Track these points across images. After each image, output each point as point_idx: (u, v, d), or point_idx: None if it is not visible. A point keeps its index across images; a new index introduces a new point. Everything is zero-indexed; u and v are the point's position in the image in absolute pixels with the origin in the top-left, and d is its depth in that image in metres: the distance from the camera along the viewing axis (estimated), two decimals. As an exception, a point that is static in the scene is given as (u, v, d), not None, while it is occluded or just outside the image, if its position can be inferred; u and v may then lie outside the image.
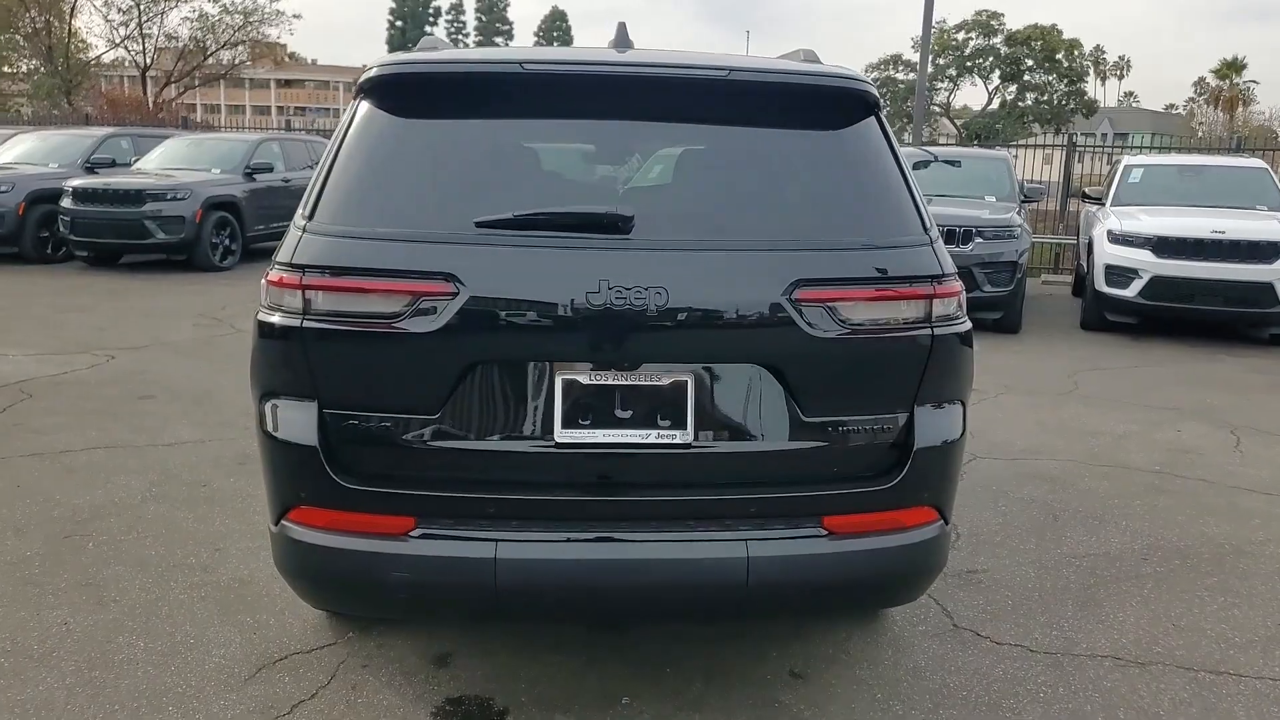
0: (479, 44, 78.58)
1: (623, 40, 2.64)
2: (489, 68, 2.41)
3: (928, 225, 2.38)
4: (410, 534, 2.21)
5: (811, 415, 2.28)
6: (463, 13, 78.86)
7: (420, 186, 2.29)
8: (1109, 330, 8.97)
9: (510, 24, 79.34)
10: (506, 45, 78.14)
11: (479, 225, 2.18)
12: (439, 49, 2.69)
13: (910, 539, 2.36)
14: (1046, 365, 7.61)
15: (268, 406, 2.31)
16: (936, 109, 34.31)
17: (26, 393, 5.95)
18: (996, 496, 4.52)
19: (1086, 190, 10.63)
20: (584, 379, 2.22)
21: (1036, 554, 3.88)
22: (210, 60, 29.53)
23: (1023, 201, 9.46)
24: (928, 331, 2.31)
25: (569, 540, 2.20)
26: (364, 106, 2.39)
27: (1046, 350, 8.26)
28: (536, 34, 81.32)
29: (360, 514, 2.23)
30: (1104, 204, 9.60)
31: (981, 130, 29.92)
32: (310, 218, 2.28)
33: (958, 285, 2.38)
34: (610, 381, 2.23)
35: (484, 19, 77.80)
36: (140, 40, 26.07)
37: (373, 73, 2.39)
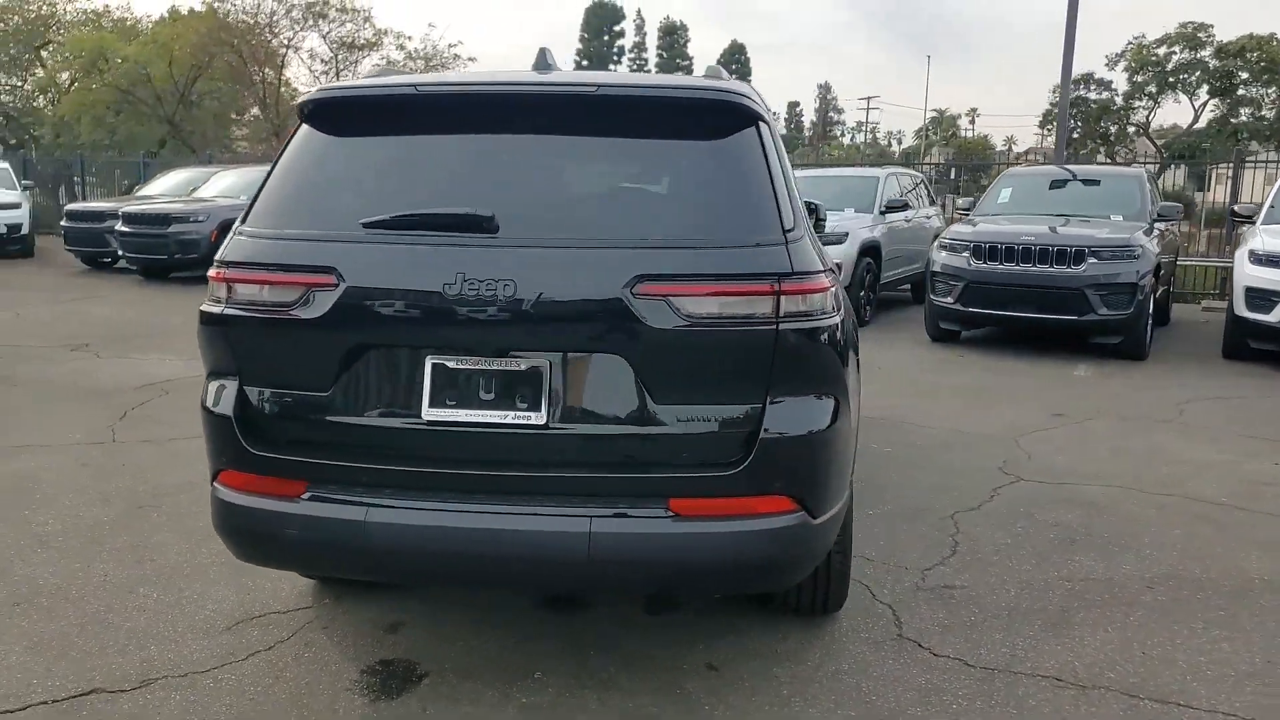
0: (659, 81, 79.77)
1: (542, 64, 2.89)
2: (388, 91, 2.70)
3: (788, 226, 2.48)
4: (301, 497, 2.51)
5: (660, 402, 2.42)
6: (645, 50, 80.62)
7: (325, 193, 2.61)
8: (1253, 359, 8.29)
9: (690, 58, 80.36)
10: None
11: (364, 226, 2.47)
12: (385, 74, 3.02)
13: (759, 526, 2.43)
14: (1159, 393, 7.16)
15: (208, 383, 2.69)
16: (1133, 128, 32.21)
17: (165, 390, 6.78)
18: (1018, 518, 4.38)
19: (1235, 208, 9.84)
20: (449, 363, 2.45)
21: (1030, 575, 3.76)
22: None
23: (1154, 221, 9.00)
24: (773, 327, 2.39)
25: (432, 509, 2.44)
26: (300, 128, 2.75)
27: (1168, 377, 7.75)
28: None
29: (265, 477, 2.55)
30: (1254, 222, 8.89)
31: (1185, 150, 27.83)
32: (243, 222, 2.65)
33: (814, 283, 2.46)
34: (471, 366, 2.45)
35: (665, 55, 79.28)
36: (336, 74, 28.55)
37: (302, 99, 2.75)
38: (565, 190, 2.65)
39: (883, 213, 11.29)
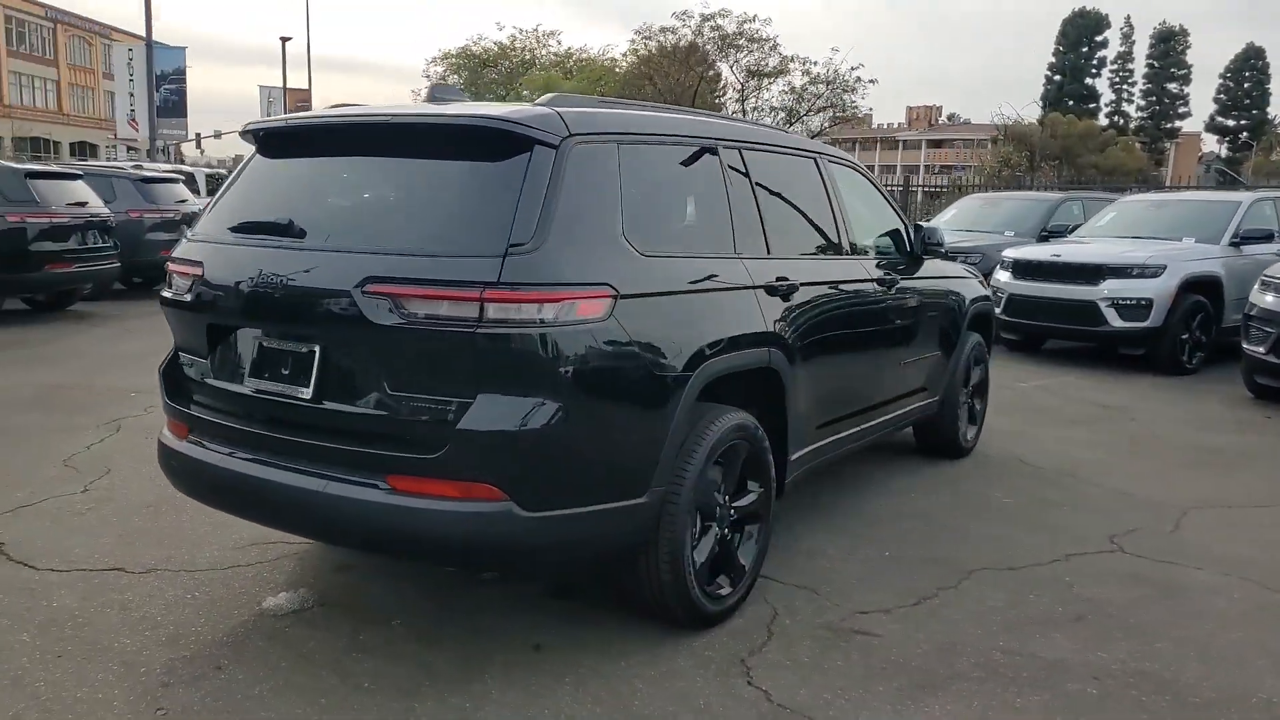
0: (1146, 94, 71.84)
1: (433, 96, 3.34)
2: (272, 125, 3.32)
3: (517, 241, 2.68)
4: (185, 439, 3.24)
5: (391, 389, 2.76)
6: (1130, 60, 73.17)
7: (232, 203, 3.31)
8: None
9: (1187, 67, 71.30)
10: (1180, 92, 70.46)
11: (229, 230, 3.14)
12: (339, 108, 3.66)
13: (460, 509, 2.67)
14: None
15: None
16: None
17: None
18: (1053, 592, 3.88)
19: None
20: (265, 342, 3.03)
21: (967, 637, 3.39)
22: (798, 125, 32.61)
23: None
24: (479, 330, 2.62)
25: (243, 459, 3.03)
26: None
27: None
28: (1224, 76, 72.18)
29: (173, 423, 3.32)
30: None
31: None
32: (190, 228, 3.46)
33: (528, 294, 2.64)
34: (277, 346, 3.00)
35: (1156, 65, 71.19)
36: (742, 113, 30.14)
37: (242, 129, 3.48)
38: (353, 204, 3.09)
39: (1235, 243, 9.74)
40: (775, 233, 3.86)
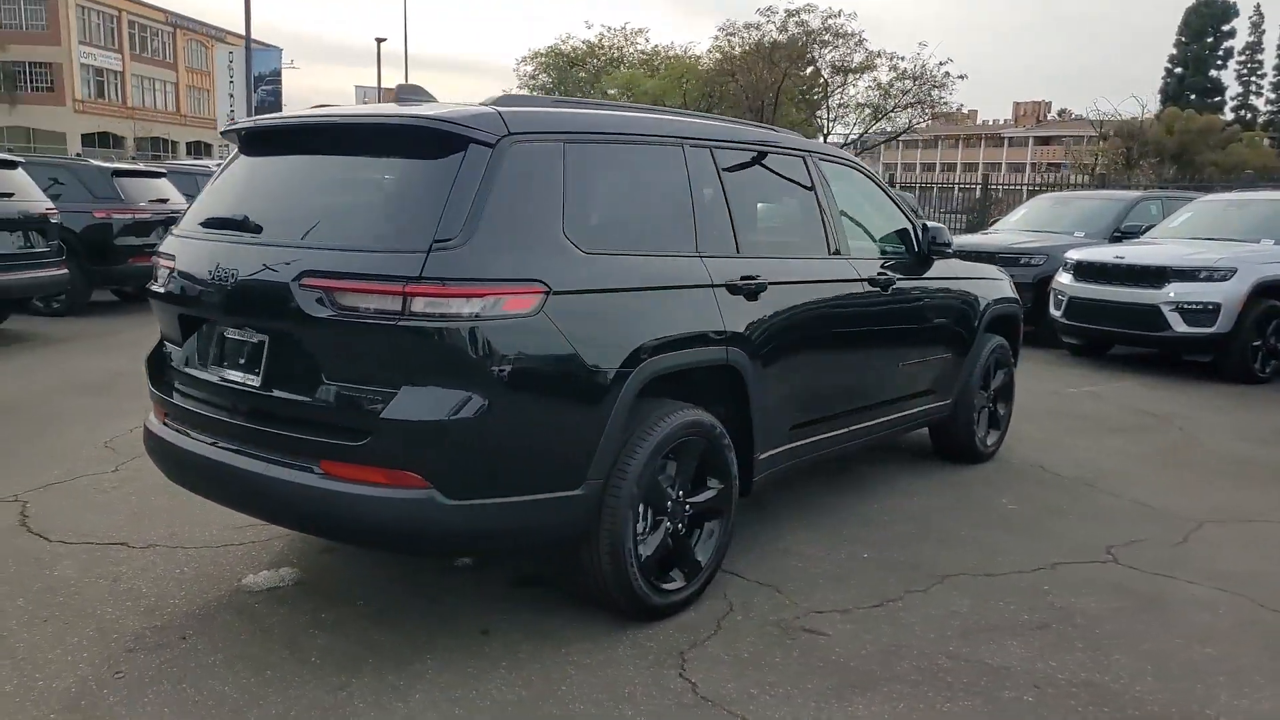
0: (1277, 86, 68.06)
1: (399, 96, 3.47)
2: (243, 126, 3.47)
3: (444, 237, 2.78)
4: (162, 422, 3.45)
5: (327, 378, 2.89)
6: (1260, 51, 69.46)
7: (207, 200, 3.50)
8: None
9: (1326, 57, 67.16)
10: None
11: (199, 224, 3.33)
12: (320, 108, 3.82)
13: (383, 494, 2.79)
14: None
15: None
16: None
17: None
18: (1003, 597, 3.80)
19: None
20: (223, 332, 3.20)
21: (917, 641, 3.36)
22: (883, 123, 31.91)
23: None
24: (403, 323, 2.73)
25: (206, 443, 3.20)
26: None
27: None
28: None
29: (156, 407, 3.53)
30: None
31: None
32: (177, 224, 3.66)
33: (453, 289, 2.74)
34: (230, 335, 3.17)
35: (1293, 54, 67.16)
36: (827, 111, 29.81)
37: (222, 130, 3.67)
38: (303, 201, 3.21)
39: (1319, 246, 9.24)
40: (747, 231, 3.89)
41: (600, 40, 36.93)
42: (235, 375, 3.16)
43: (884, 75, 28.88)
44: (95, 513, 4.42)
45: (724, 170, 3.84)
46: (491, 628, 3.37)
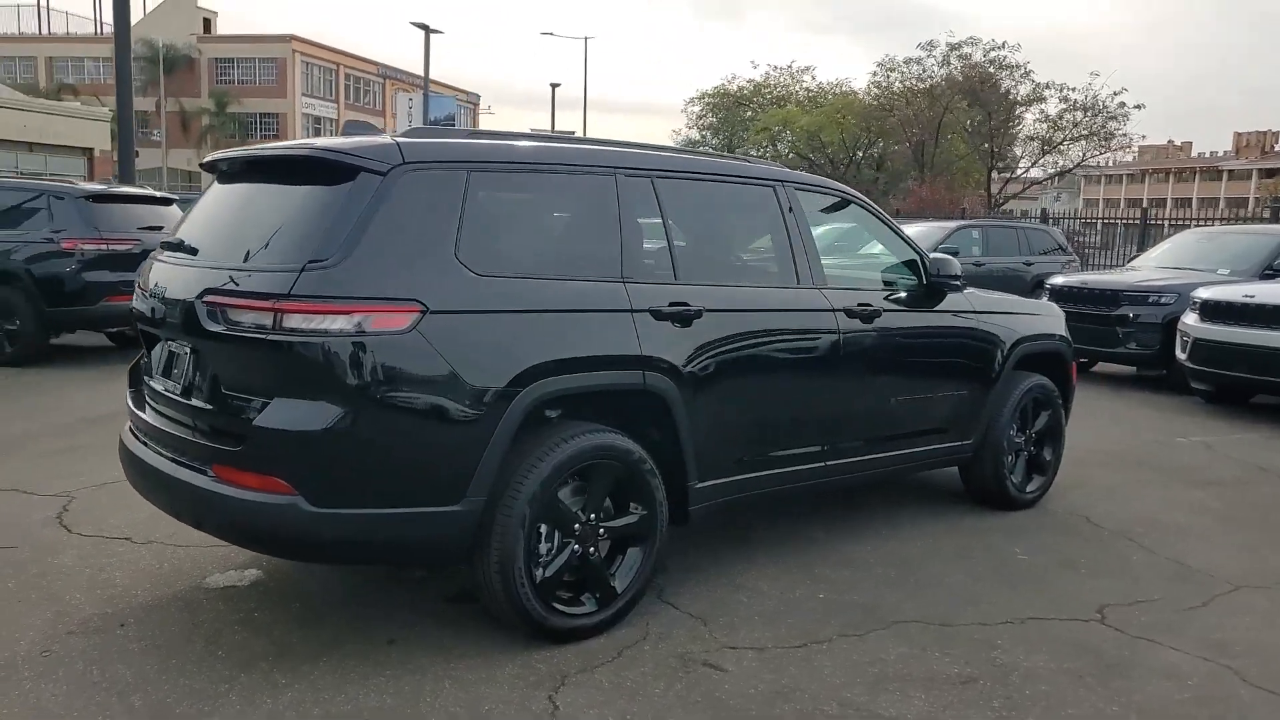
0: None
1: (346, 130, 3.69)
2: (210, 158, 3.75)
3: (318, 257, 2.94)
4: (129, 431, 3.78)
5: (224, 388, 3.11)
6: None
7: (177, 225, 3.82)
8: None
9: None
10: None
11: (161, 246, 3.65)
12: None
13: (254, 498, 2.96)
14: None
15: None
16: None
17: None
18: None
19: None
20: (168, 345, 3.48)
21: (817, 686, 3.20)
22: (1051, 156, 30.05)
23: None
24: (274, 337, 2.91)
25: (149, 448, 3.49)
26: None
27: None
28: None
29: (130, 415, 3.88)
30: None
31: None
32: None
33: (318, 305, 2.89)
34: (172, 349, 3.44)
35: None
36: (990, 143, 28.47)
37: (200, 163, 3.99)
38: (227, 225, 3.44)
39: None
40: (690, 259, 3.88)
41: (766, 79, 37.18)
42: (169, 384, 3.44)
43: (1053, 108, 27.58)
44: (126, 511, 4.84)
45: (667, 199, 3.84)
46: (400, 638, 3.48)
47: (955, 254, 13.46)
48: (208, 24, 64.28)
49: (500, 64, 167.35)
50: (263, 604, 3.76)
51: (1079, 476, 6.12)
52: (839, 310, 4.29)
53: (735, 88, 37.55)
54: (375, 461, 3.04)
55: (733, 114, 36.62)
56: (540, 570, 3.35)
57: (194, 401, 3.27)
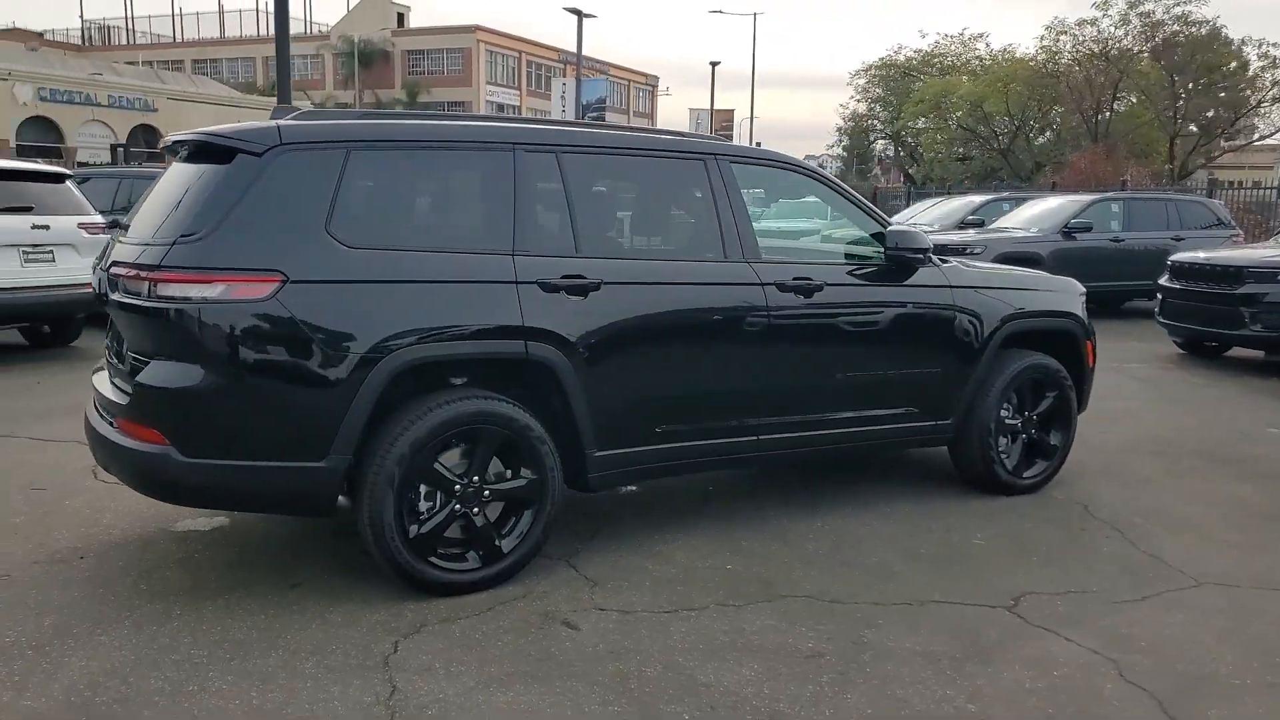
0: None
1: (272, 116, 3.99)
2: (165, 141, 4.11)
3: (188, 231, 3.27)
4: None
5: (129, 349, 3.48)
6: None
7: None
8: None
9: None
10: None
11: (118, 226, 4.08)
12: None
13: (137, 447, 3.33)
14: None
15: None
16: None
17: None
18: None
19: None
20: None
21: (656, 648, 3.26)
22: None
23: None
24: (148, 304, 3.26)
25: (95, 410, 3.91)
26: None
27: None
28: None
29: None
30: None
31: None
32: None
33: (177, 275, 3.22)
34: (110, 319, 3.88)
35: None
36: (1174, 110, 25.88)
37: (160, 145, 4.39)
38: (153, 205, 3.70)
39: None
40: (597, 232, 3.97)
41: (935, 49, 35.58)
42: (110, 349, 3.88)
43: (1256, 63, 24.81)
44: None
45: (573, 174, 3.94)
46: (306, 582, 3.79)
47: (1087, 229, 12.83)
48: (401, 18, 67.95)
49: (674, 43, 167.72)
50: (209, 547, 4.17)
51: (1114, 463, 5.77)
52: (769, 284, 4.26)
53: (903, 58, 36.24)
54: (238, 418, 3.34)
55: (900, 85, 35.32)
56: (416, 526, 3.57)
57: (115, 363, 3.68)
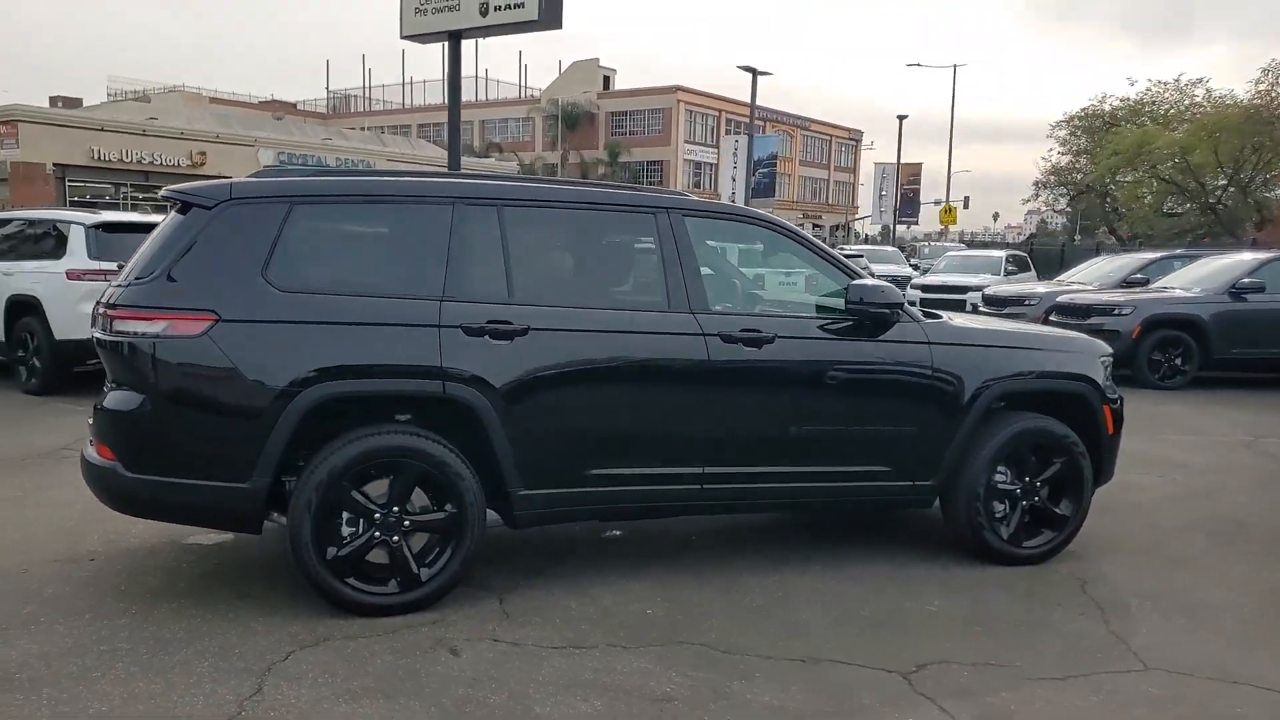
0: None
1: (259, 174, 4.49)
2: (161, 194, 4.65)
3: (140, 276, 3.76)
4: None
5: (109, 378, 4.01)
6: None
7: None
8: None
9: None
10: None
11: None
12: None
13: (95, 462, 3.85)
14: None
15: None
16: None
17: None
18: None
19: None
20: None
21: (513, 672, 3.38)
22: None
23: None
24: (104, 337, 3.80)
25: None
26: None
27: None
28: None
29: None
30: None
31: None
32: None
33: (120, 312, 3.71)
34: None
35: None
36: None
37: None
38: (138, 253, 4.23)
39: None
40: (532, 281, 4.19)
41: (1143, 97, 33.27)
42: None
43: None
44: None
45: (513, 227, 4.19)
46: (253, 594, 4.16)
47: (1259, 290, 11.79)
48: (607, 81, 71.10)
49: (878, 96, 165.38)
50: (201, 559, 4.64)
51: (1157, 540, 5.37)
52: (711, 335, 4.31)
53: (1107, 108, 34.19)
54: (172, 440, 3.78)
55: (1102, 135, 33.28)
56: (335, 549, 3.87)
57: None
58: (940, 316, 5.01)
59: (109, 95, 63.77)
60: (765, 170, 40.60)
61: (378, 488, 3.95)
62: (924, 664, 3.66)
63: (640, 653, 3.68)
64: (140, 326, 3.76)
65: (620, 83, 72.20)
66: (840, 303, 4.64)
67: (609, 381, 4.22)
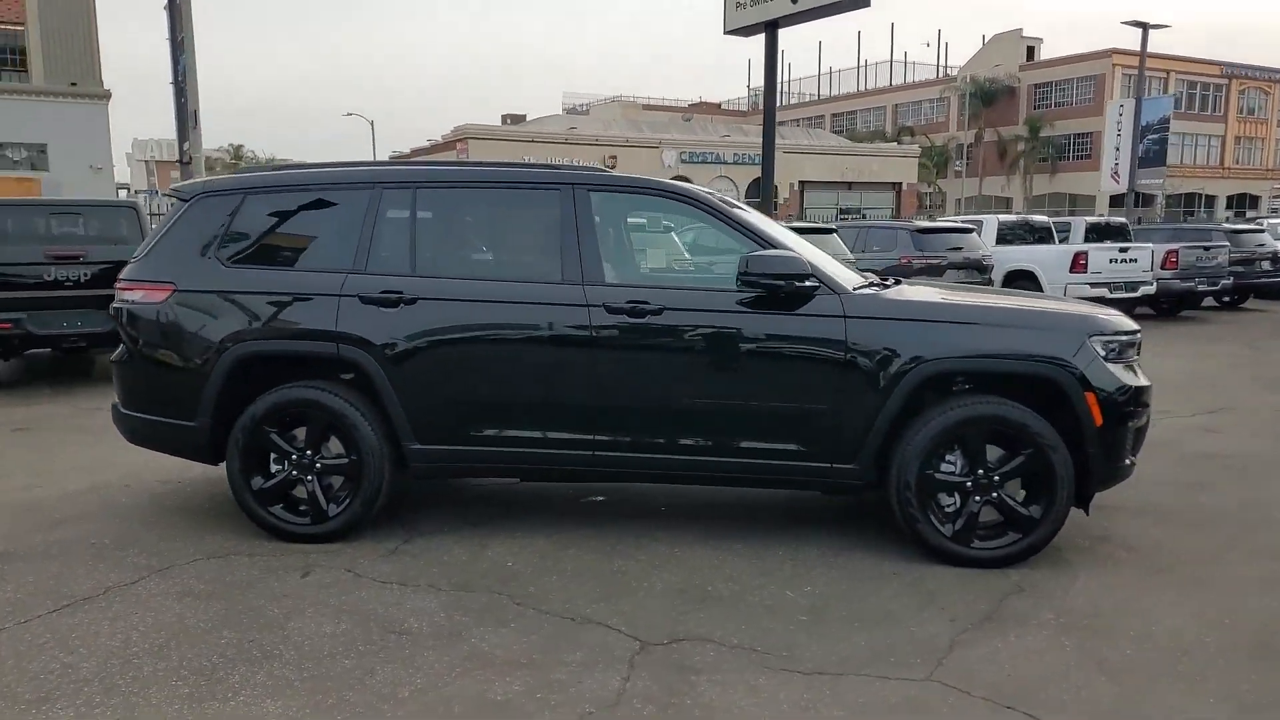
0: None
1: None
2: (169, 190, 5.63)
3: (137, 255, 4.78)
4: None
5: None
6: None
7: None
8: None
9: None
10: None
11: None
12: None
13: (115, 403, 4.95)
14: None
15: None
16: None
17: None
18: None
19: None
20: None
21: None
22: None
23: None
24: (114, 304, 4.84)
25: None
26: None
27: None
28: None
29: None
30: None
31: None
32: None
33: (123, 285, 4.73)
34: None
35: None
36: None
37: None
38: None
39: None
40: (434, 255, 4.62)
41: None
42: None
43: None
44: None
45: (424, 206, 4.66)
46: (206, 535, 5.10)
47: None
48: (1031, 52, 65.86)
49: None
50: (205, 501, 5.68)
51: (1167, 561, 4.42)
52: (596, 306, 4.41)
53: None
54: (144, 384, 4.80)
55: None
56: (261, 480, 4.64)
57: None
58: (889, 286, 4.57)
59: (563, 109, 72.30)
60: (1156, 136, 35.05)
61: (302, 434, 4.65)
62: (681, 638, 3.55)
63: (439, 594, 3.98)
64: (129, 295, 4.82)
65: (1046, 52, 66.49)
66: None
67: (491, 347, 4.52)
